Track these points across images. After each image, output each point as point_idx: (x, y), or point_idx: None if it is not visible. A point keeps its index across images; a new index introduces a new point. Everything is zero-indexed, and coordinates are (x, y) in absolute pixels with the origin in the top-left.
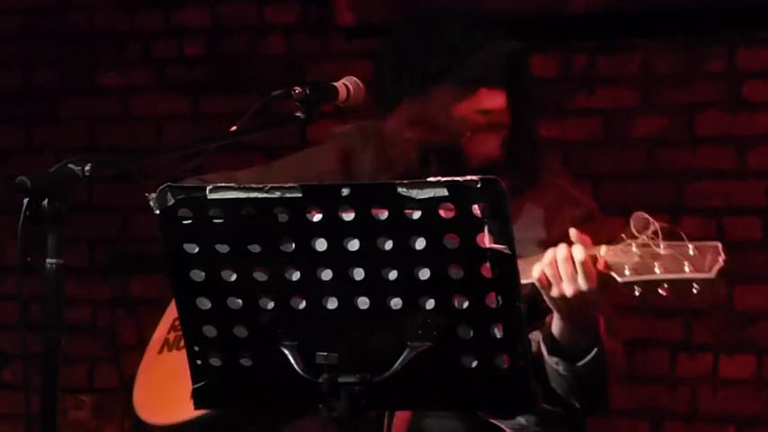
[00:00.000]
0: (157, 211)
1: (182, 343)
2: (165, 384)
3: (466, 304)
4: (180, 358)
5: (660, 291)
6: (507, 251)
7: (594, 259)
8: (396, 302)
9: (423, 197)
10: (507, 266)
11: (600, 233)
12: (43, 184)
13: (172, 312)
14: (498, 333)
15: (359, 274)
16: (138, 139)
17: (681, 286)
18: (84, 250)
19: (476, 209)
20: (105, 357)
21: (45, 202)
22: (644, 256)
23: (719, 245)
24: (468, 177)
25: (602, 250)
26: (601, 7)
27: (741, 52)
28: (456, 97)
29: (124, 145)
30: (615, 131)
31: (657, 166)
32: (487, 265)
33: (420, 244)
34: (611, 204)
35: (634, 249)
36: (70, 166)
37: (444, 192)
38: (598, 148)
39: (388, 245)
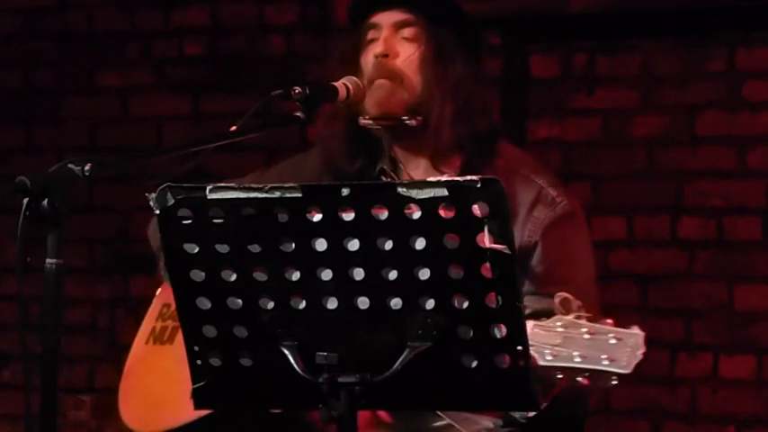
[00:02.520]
0: (157, 211)
1: (165, 336)
2: (150, 387)
3: (466, 304)
4: (165, 354)
5: (580, 379)
6: (507, 251)
7: None
8: (396, 302)
9: (423, 197)
10: (507, 266)
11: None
12: (43, 184)
13: (159, 299)
14: (498, 333)
15: (359, 274)
16: (138, 139)
17: (599, 375)
18: (85, 250)
19: (476, 209)
20: (105, 357)
21: (45, 202)
22: (566, 340)
23: (642, 335)
24: (468, 177)
25: (530, 326)
26: (601, 7)
27: (741, 52)
28: (356, 43)
29: (124, 145)
30: (615, 131)
31: (657, 166)
32: (487, 265)
33: (420, 244)
34: (611, 204)
35: (559, 329)
36: (70, 166)
37: (444, 192)
38: (598, 148)
39: (388, 245)
